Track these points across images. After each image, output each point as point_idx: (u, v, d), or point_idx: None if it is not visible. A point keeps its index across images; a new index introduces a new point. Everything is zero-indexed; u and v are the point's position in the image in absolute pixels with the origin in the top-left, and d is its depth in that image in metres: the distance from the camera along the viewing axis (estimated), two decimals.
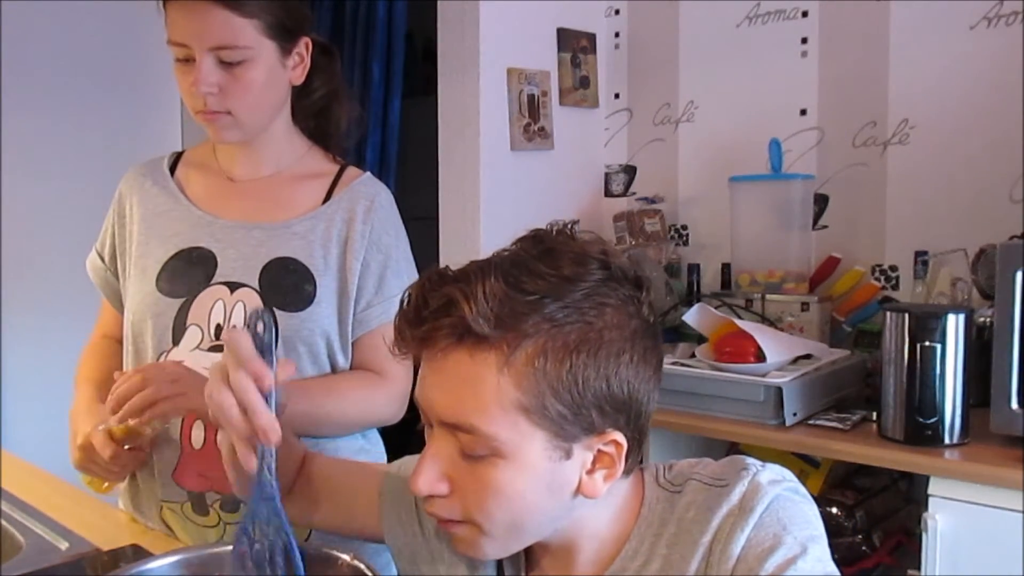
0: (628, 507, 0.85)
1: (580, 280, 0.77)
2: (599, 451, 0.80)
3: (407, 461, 1.01)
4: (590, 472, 0.80)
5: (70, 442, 1.25)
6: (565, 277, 0.76)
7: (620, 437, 0.79)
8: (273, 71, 1.27)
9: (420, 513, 0.96)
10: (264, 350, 0.87)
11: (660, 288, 2.36)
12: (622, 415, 0.79)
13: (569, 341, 0.76)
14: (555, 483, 0.79)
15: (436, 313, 0.76)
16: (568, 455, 0.78)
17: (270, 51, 1.26)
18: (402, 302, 0.80)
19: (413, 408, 1.36)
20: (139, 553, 1.16)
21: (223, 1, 1.20)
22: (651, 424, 0.84)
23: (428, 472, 0.80)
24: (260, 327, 0.87)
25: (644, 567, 0.82)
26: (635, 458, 0.83)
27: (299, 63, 1.31)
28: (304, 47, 1.31)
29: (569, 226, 0.83)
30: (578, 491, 0.80)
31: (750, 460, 0.84)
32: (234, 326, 0.87)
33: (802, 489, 0.83)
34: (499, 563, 0.91)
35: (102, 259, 1.41)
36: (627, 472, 0.83)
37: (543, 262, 0.77)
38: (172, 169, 1.40)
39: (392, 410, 1.33)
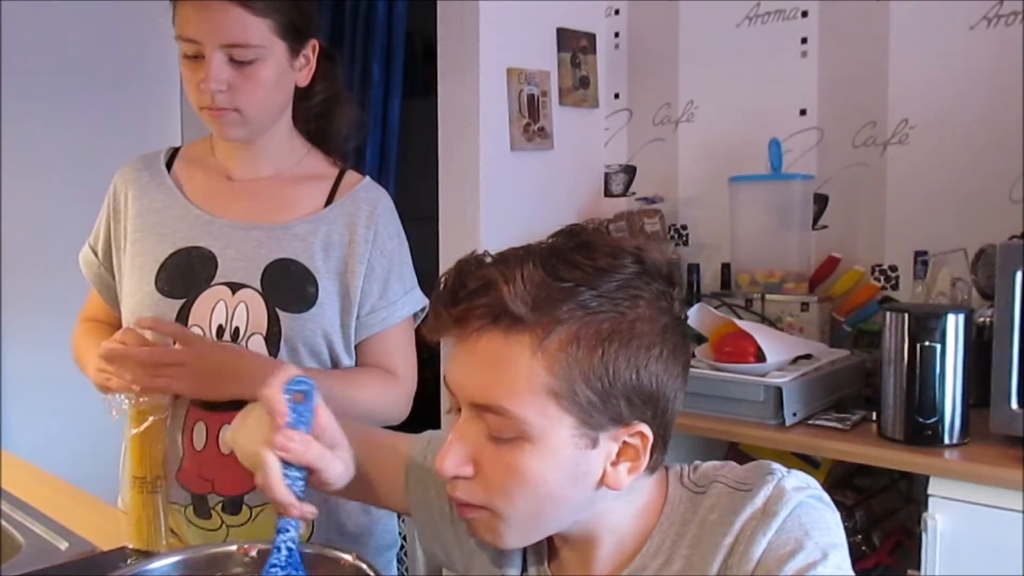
0: (651, 505, 0.85)
1: (615, 272, 0.78)
2: (624, 443, 0.80)
3: (434, 436, 1.02)
4: (614, 464, 0.81)
5: (87, 370, 1.27)
6: (600, 268, 0.78)
7: (646, 429, 0.80)
8: (282, 71, 1.27)
9: None
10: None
11: None
12: (649, 408, 0.80)
13: (602, 329, 0.77)
14: (579, 471, 0.79)
15: (473, 294, 0.78)
16: (594, 444, 0.79)
17: (281, 51, 1.26)
18: (438, 284, 0.81)
19: (416, 414, 1.37)
20: (139, 553, 1.16)
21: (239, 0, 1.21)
22: None
23: (455, 454, 0.81)
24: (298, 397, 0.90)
25: (665, 567, 0.82)
26: (659, 455, 0.83)
27: (305, 65, 1.31)
28: (311, 49, 1.31)
29: (605, 224, 0.85)
30: (601, 482, 0.81)
31: (775, 465, 0.84)
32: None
33: (826, 497, 0.83)
34: (524, 553, 0.91)
35: (95, 254, 1.41)
36: (651, 469, 0.83)
37: (579, 253, 0.78)
38: (169, 165, 1.39)
39: (400, 409, 1.35)
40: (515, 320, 0.76)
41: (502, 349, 0.77)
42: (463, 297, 0.78)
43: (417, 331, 1.41)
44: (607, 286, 0.77)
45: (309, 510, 0.89)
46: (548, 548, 0.90)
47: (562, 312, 0.76)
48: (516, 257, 0.78)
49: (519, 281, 0.76)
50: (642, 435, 0.80)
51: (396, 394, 1.34)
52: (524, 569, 0.91)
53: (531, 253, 0.79)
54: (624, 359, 0.77)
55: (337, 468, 0.91)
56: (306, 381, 0.90)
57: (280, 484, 0.86)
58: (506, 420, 0.78)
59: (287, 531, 0.88)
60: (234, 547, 0.95)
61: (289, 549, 0.88)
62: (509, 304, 0.75)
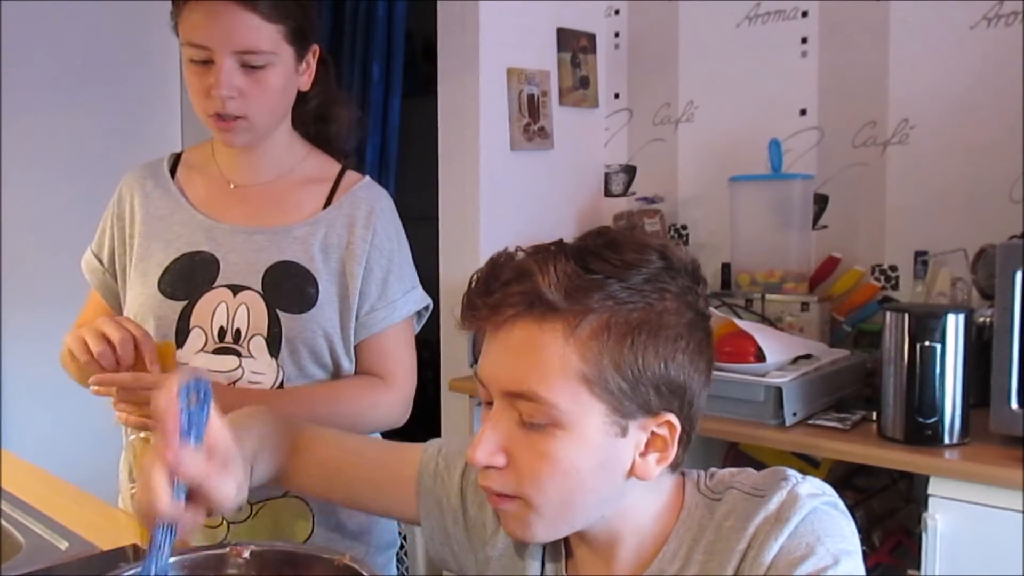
0: (670, 508, 0.86)
1: (641, 266, 0.81)
2: (653, 433, 0.82)
3: (443, 444, 1.02)
4: (643, 454, 0.82)
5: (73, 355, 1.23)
6: (627, 262, 0.81)
7: (674, 420, 0.82)
8: (289, 77, 1.28)
9: (466, 500, 0.97)
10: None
11: None
12: (676, 399, 0.82)
13: (631, 319, 0.79)
14: (609, 461, 0.81)
15: (509, 283, 0.80)
16: (624, 432, 0.81)
17: (289, 57, 1.26)
18: (470, 281, 0.84)
19: (415, 415, 1.38)
20: (139, 553, 1.16)
21: (251, 5, 1.20)
22: None
23: (487, 443, 0.82)
24: (193, 399, 0.82)
25: (681, 572, 0.83)
26: (684, 449, 0.85)
27: (306, 70, 1.32)
28: (312, 54, 1.32)
29: (637, 225, 0.87)
30: (631, 473, 0.82)
31: (791, 472, 0.85)
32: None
33: (841, 504, 0.85)
34: (542, 556, 0.92)
35: (100, 261, 1.41)
36: (676, 465, 0.85)
37: (608, 249, 0.81)
38: (172, 171, 1.40)
39: (396, 415, 1.34)
40: (549, 307, 0.79)
41: (536, 336, 0.79)
42: (498, 287, 0.81)
43: (435, 325, 1.39)
44: (635, 279, 0.80)
45: (200, 519, 0.85)
46: (565, 551, 0.91)
47: (593, 301, 0.79)
48: (548, 251, 0.81)
49: (553, 271, 0.79)
50: (670, 425, 0.82)
51: (389, 402, 1.33)
52: (542, 569, 0.92)
53: (562, 248, 0.82)
54: (653, 349, 0.79)
55: (227, 490, 0.85)
56: (202, 384, 0.82)
57: (168, 500, 0.81)
58: (539, 406, 0.79)
59: (162, 546, 0.81)
60: (227, 549, 0.95)
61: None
62: (544, 291, 0.78)
